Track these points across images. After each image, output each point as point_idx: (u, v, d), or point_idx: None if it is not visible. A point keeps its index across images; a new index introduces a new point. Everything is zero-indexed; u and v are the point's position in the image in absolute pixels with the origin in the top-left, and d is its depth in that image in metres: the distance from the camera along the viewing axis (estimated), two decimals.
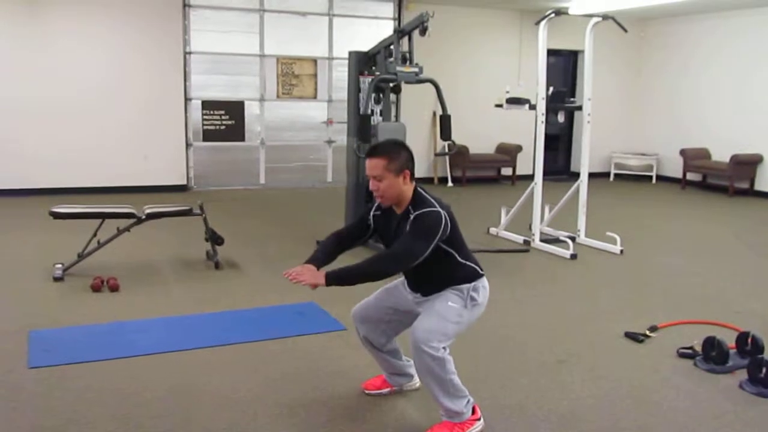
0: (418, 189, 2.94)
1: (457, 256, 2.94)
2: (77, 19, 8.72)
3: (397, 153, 2.88)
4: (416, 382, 3.40)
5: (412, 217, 2.83)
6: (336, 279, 2.78)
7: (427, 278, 2.97)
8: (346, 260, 2.96)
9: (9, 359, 3.69)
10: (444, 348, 2.85)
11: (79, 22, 8.74)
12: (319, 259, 2.98)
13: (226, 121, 9.73)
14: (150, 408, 3.19)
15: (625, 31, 6.52)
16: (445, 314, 2.89)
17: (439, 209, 2.84)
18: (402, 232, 2.86)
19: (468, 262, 2.99)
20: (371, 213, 3.10)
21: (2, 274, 5.35)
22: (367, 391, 3.37)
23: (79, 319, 4.37)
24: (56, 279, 5.13)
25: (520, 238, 6.78)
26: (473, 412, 3.01)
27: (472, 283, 2.97)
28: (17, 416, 3.09)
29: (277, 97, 9.95)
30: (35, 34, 8.55)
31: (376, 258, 2.88)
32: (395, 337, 3.25)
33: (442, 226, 2.81)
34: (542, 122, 6.52)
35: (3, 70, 8.50)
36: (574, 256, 6.21)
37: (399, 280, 3.17)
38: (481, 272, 3.03)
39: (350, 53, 6.54)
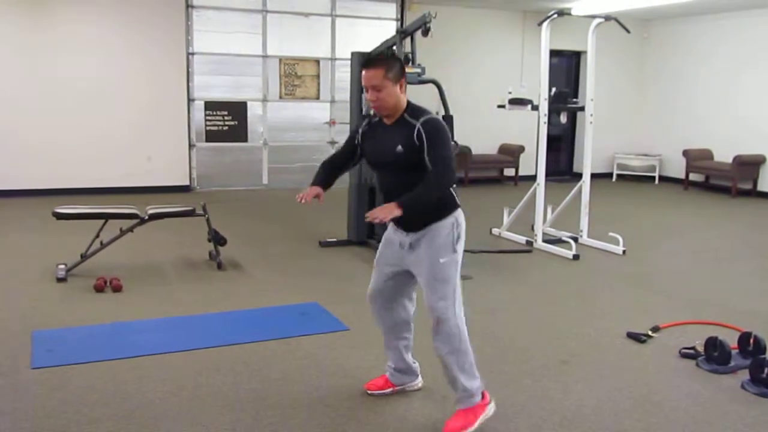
0: (409, 99, 3.02)
1: None
2: (80, 20, 8.74)
3: (394, 62, 2.97)
4: (419, 382, 3.41)
5: (419, 125, 2.88)
6: (409, 206, 2.83)
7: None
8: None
9: (12, 359, 3.70)
10: (462, 312, 2.98)
11: (82, 23, 8.76)
12: (322, 182, 3.19)
13: (229, 121, 9.74)
14: (153, 408, 3.20)
15: (628, 31, 6.52)
16: (444, 275, 2.95)
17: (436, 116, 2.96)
18: (397, 139, 2.92)
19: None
20: (360, 130, 3.17)
21: (5, 275, 5.37)
22: (369, 392, 3.37)
23: (82, 319, 4.38)
24: (59, 279, 5.14)
25: (522, 239, 6.78)
26: (483, 397, 3.08)
27: (454, 216, 3.00)
28: (20, 416, 3.10)
29: (280, 97, 9.97)
30: (38, 35, 8.57)
31: (430, 182, 2.88)
32: (411, 326, 3.29)
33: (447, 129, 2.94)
34: (545, 123, 6.52)
35: (7, 72, 8.53)
36: (576, 257, 6.21)
37: (382, 243, 3.21)
38: (458, 202, 3.05)
39: (353, 54, 6.54)
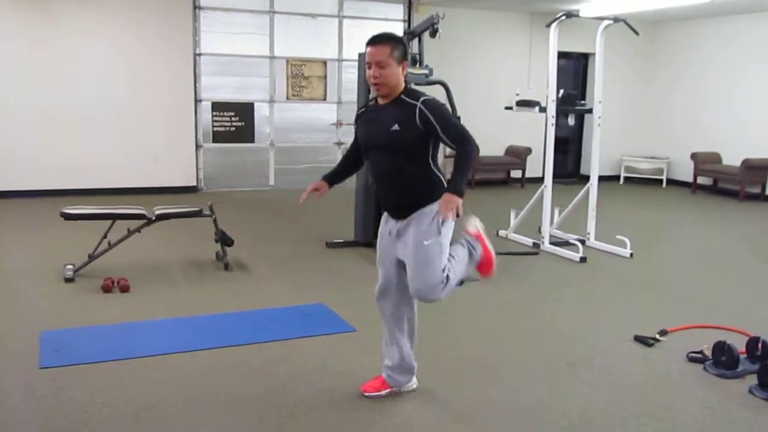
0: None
1: (430, 156, 3.04)
2: (86, 19, 8.75)
3: (399, 42, 3.01)
4: (414, 383, 3.42)
5: (420, 104, 2.93)
6: (462, 188, 2.90)
7: (401, 186, 3.06)
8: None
9: (21, 360, 3.72)
10: (445, 276, 3.04)
11: (88, 23, 8.77)
12: (331, 177, 3.32)
13: (236, 122, 9.76)
14: (159, 409, 3.20)
15: (637, 33, 6.51)
16: (427, 257, 3.00)
17: None
18: (392, 118, 2.96)
19: (438, 172, 3.07)
20: (357, 115, 3.25)
21: (14, 275, 5.39)
22: (366, 394, 3.37)
23: (90, 319, 4.39)
24: (67, 280, 5.15)
25: (529, 241, 6.77)
26: (478, 238, 3.31)
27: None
28: (28, 416, 3.11)
29: (287, 98, 9.98)
30: (45, 33, 8.60)
31: (461, 155, 2.95)
32: (410, 310, 3.32)
33: None
34: (552, 125, 6.51)
35: (14, 73, 8.55)
36: (583, 260, 6.20)
37: (378, 240, 3.26)
38: (446, 185, 3.07)
39: (360, 55, 6.54)
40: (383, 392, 3.37)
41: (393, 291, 3.24)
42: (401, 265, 3.17)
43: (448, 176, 2.99)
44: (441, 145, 3.04)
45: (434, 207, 2.99)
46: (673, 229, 8.08)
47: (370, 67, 2.98)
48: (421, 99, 2.95)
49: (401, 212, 3.09)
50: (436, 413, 3.19)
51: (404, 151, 2.99)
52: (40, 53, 8.60)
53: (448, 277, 3.05)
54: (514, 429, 3.10)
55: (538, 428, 3.11)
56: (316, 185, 3.24)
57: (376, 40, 2.99)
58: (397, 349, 3.32)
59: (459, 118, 6.18)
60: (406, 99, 2.98)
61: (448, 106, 6.12)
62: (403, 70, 3.00)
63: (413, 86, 3.14)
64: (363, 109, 3.23)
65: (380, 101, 3.07)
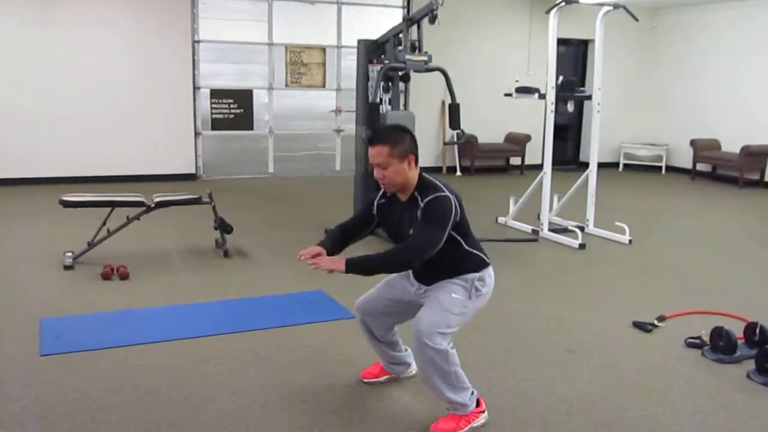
0: (424, 174, 2.89)
1: (463, 243, 2.89)
2: (84, 5, 8.70)
3: (401, 138, 2.83)
4: (413, 369, 3.42)
5: (422, 204, 2.77)
6: (356, 267, 2.76)
7: (434, 267, 2.89)
8: (356, 250, 2.96)
9: (21, 347, 3.73)
10: (447, 342, 2.84)
11: (86, 9, 8.71)
12: (329, 247, 2.95)
13: (235, 109, 9.73)
14: (160, 395, 3.22)
15: (636, 20, 6.48)
16: (448, 306, 2.85)
17: (448, 193, 2.80)
18: (408, 219, 2.84)
19: (474, 251, 2.95)
20: (375, 202, 3.04)
21: (13, 263, 5.39)
22: (365, 380, 3.39)
23: (90, 307, 4.40)
24: (67, 267, 5.16)
25: (528, 228, 6.78)
26: (478, 404, 3.00)
27: (478, 273, 2.94)
28: (29, 403, 3.12)
29: (286, 85, 9.95)
30: (44, 22, 8.55)
31: (396, 249, 2.84)
32: (395, 328, 3.27)
33: (453, 211, 2.78)
34: (551, 112, 6.50)
35: (11, 60, 8.52)
36: (582, 246, 6.21)
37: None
38: (487, 261, 3.00)
39: (359, 41, 6.52)
40: (382, 379, 3.39)
41: (377, 310, 3.16)
42: (405, 305, 3.08)
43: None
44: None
45: (474, 275, 2.91)
46: (671, 215, 8.09)
47: (373, 168, 2.84)
48: (426, 200, 2.77)
49: (430, 282, 2.98)
50: (433, 400, 3.20)
51: None
52: (37, 41, 8.56)
53: (450, 352, 2.85)
54: (514, 415, 3.12)
55: (538, 414, 3.13)
56: (317, 251, 2.89)
57: (373, 141, 2.83)
58: (383, 354, 3.33)
59: (458, 105, 6.20)
60: (418, 198, 2.81)
61: (447, 93, 6.11)
62: (410, 164, 2.81)
63: (432, 178, 2.88)
64: (383, 197, 3.01)
65: (399, 195, 2.91)
